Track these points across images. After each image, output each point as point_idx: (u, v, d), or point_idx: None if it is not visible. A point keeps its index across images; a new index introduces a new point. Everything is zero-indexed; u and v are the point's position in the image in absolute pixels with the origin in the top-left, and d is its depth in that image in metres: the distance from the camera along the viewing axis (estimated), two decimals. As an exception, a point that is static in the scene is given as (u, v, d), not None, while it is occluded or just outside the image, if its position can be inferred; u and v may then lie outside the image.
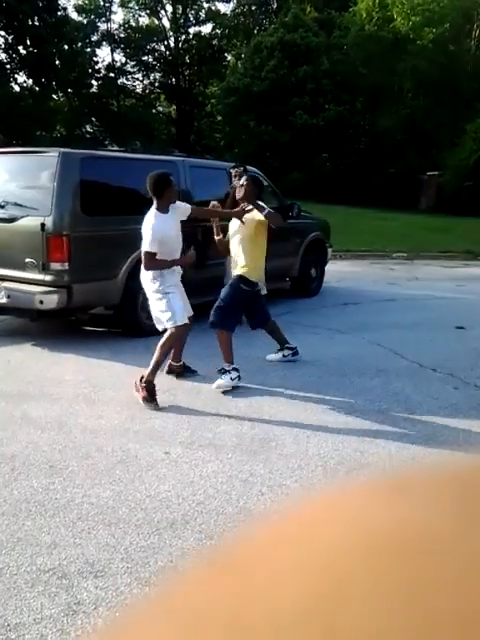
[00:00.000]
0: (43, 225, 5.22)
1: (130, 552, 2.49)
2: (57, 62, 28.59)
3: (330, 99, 24.05)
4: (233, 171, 5.93)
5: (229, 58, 35.80)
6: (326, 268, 8.84)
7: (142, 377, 4.14)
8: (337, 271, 10.33)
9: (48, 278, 5.31)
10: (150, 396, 4.10)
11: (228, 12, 36.63)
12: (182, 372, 4.79)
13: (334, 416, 4.03)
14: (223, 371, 4.53)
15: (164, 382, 4.58)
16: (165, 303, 4.25)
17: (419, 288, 9.46)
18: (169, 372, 4.75)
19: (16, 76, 28.62)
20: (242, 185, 4.60)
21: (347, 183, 23.44)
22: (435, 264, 12.94)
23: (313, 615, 0.18)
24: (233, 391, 4.46)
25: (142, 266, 4.29)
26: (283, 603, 0.19)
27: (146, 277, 4.33)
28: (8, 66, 27.55)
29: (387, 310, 7.68)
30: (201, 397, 4.28)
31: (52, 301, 5.28)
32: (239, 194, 4.62)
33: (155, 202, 4.27)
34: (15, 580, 2.30)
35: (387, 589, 0.18)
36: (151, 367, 4.17)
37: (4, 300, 5.49)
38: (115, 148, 7.26)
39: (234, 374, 4.53)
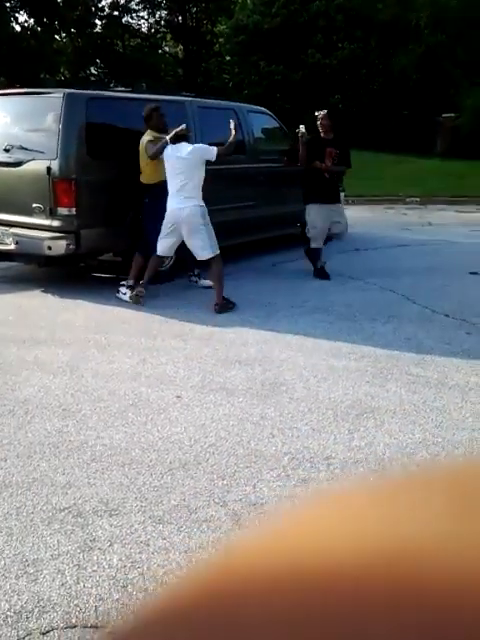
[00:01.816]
0: (49, 169, 5.12)
1: (143, 491, 2.54)
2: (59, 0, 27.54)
3: (343, 37, 23.11)
4: (318, 114, 6.33)
5: (238, -7, 34.38)
6: (338, 213, 8.68)
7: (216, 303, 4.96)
8: (349, 216, 10.09)
9: (56, 223, 5.24)
10: (228, 303, 4.99)
11: None
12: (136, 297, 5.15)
13: (345, 361, 4.02)
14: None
15: (175, 328, 4.58)
16: None
17: (432, 234, 9.31)
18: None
19: (17, 15, 27.68)
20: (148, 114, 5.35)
21: (361, 125, 22.73)
22: (449, 209, 12.71)
23: (313, 615, 0.18)
24: (243, 337, 4.45)
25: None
26: (282, 604, 0.19)
27: None
28: (8, 4, 26.57)
29: (400, 256, 7.58)
30: (212, 343, 4.28)
31: (60, 247, 5.22)
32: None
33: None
34: (32, 518, 2.36)
35: (387, 590, 0.18)
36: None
37: (12, 246, 5.45)
38: (121, 89, 7.04)
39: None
